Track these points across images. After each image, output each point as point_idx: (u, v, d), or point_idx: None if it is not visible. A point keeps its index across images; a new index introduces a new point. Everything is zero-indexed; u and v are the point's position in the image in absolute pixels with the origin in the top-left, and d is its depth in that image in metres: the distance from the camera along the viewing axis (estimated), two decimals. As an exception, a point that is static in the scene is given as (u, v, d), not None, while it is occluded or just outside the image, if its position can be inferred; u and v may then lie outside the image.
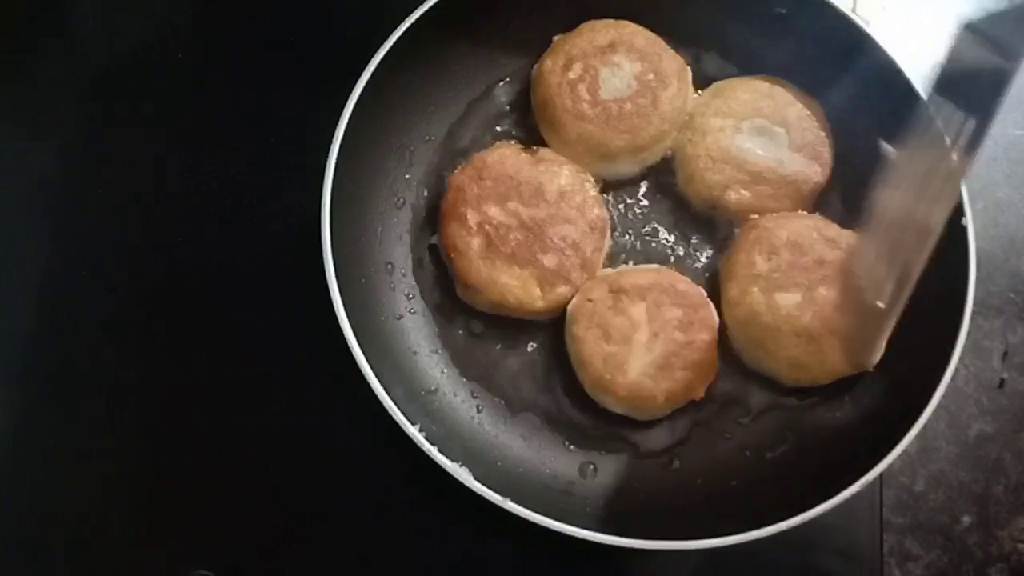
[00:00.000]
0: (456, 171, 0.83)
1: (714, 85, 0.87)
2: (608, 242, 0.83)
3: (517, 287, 0.79)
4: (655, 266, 0.83)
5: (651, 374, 0.76)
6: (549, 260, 0.79)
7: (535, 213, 0.80)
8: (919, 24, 1.00)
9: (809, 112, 0.84)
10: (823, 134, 0.83)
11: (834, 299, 0.77)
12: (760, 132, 0.83)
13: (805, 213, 0.83)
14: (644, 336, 0.77)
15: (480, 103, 0.89)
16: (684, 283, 0.79)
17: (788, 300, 0.78)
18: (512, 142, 0.86)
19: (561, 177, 0.82)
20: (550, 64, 0.85)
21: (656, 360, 0.76)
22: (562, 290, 0.79)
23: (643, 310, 0.77)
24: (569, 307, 0.80)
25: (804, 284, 0.78)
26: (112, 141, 0.93)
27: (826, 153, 0.83)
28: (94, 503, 0.82)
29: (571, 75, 0.84)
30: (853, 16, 0.81)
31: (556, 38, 0.88)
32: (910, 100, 0.78)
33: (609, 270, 0.82)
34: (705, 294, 0.80)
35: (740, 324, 0.79)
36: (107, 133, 0.94)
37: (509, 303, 0.79)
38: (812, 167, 0.82)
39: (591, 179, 0.84)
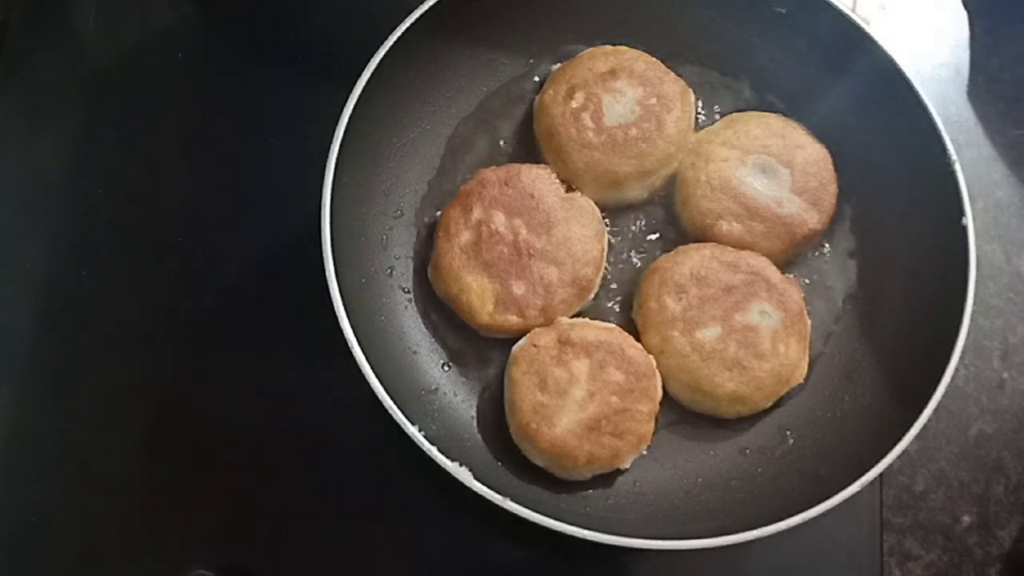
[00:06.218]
0: (490, 168, 0.82)
1: (728, 116, 0.86)
2: (587, 303, 0.81)
3: (475, 292, 0.78)
4: (610, 325, 0.80)
5: (578, 433, 0.73)
6: (517, 287, 0.78)
7: (532, 241, 0.79)
8: (919, 24, 1.00)
9: (818, 158, 0.83)
10: (828, 182, 0.82)
11: (749, 322, 0.77)
12: (764, 169, 0.82)
13: (697, 244, 0.81)
14: (580, 393, 0.74)
15: (482, 104, 0.89)
16: (635, 349, 0.77)
17: (710, 335, 0.77)
18: (554, 174, 0.83)
19: (577, 224, 0.80)
20: (552, 94, 0.84)
21: (586, 420, 0.74)
22: (512, 319, 0.78)
23: (586, 367, 0.75)
24: (513, 348, 0.78)
25: (719, 315, 0.78)
26: (112, 141, 0.93)
27: (827, 201, 0.82)
28: (94, 503, 0.82)
29: (574, 104, 0.83)
30: (853, 16, 0.81)
31: (555, 67, 0.88)
32: (910, 100, 0.78)
33: (564, 319, 0.79)
34: (654, 364, 0.77)
35: (671, 373, 0.78)
36: (107, 133, 0.94)
37: (460, 302, 0.79)
38: (810, 212, 0.81)
39: (605, 243, 0.82)
